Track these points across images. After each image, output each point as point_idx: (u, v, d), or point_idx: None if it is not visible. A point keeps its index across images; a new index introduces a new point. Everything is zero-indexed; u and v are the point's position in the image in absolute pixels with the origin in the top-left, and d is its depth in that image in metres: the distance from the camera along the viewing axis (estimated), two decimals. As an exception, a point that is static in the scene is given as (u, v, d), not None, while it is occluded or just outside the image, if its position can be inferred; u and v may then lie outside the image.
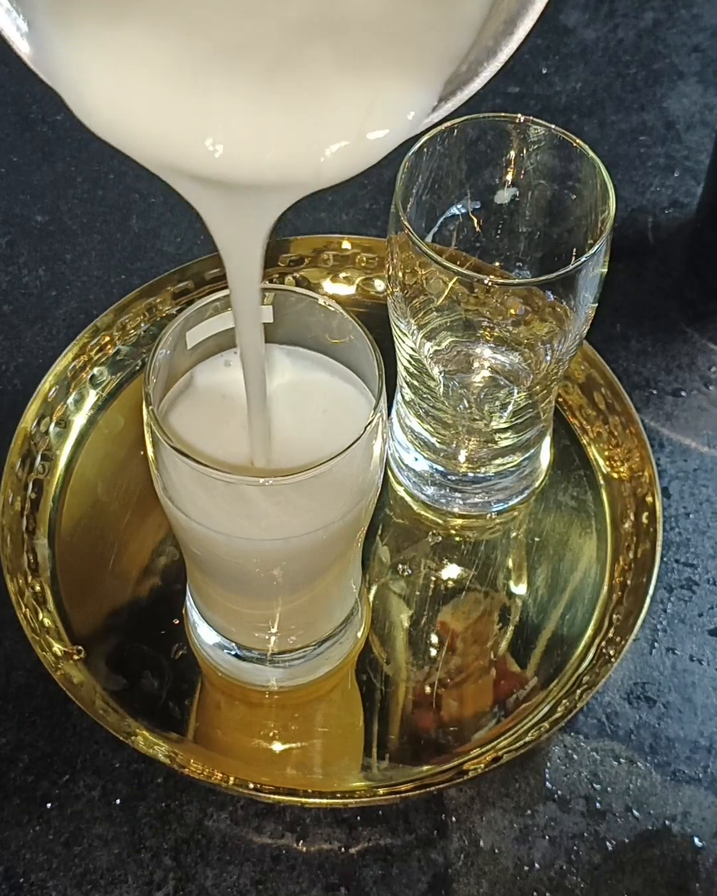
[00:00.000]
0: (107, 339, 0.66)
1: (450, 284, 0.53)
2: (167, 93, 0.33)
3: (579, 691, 0.56)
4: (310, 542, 0.44)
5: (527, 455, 0.61)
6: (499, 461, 0.61)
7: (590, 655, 0.57)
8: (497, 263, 0.59)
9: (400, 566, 0.61)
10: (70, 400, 0.64)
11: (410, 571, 0.61)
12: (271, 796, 0.53)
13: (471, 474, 0.61)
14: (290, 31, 0.32)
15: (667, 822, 0.55)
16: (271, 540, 0.44)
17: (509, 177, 0.54)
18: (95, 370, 0.65)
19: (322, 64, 0.32)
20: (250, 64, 0.32)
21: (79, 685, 0.55)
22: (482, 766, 0.53)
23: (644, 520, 0.60)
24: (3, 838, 0.53)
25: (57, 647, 0.56)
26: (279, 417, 0.47)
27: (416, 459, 0.62)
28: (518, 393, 0.57)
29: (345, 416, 0.47)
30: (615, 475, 0.63)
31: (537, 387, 0.56)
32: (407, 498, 0.63)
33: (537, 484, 0.63)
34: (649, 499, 0.61)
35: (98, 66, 0.33)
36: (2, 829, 0.54)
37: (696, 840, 0.54)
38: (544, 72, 0.81)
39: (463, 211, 0.55)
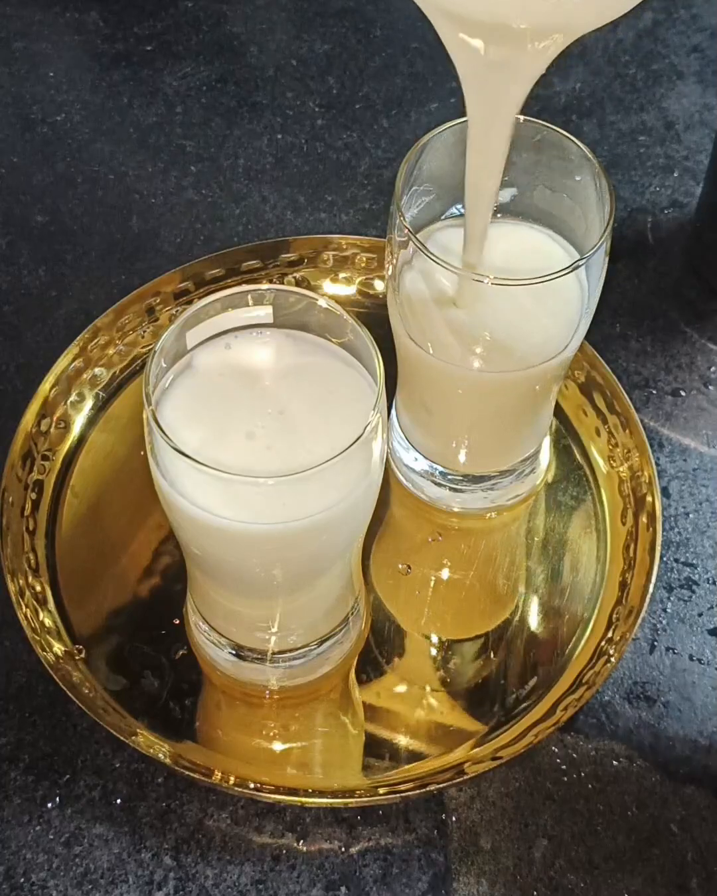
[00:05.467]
0: (107, 339, 0.66)
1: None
2: None
3: (579, 691, 0.56)
4: (310, 526, 0.44)
5: (527, 455, 0.61)
6: (499, 461, 0.61)
7: (590, 655, 0.57)
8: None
9: (400, 566, 0.61)
10: (70, 400, 0.64)
11: (410, 571, 0.61)
12: (272, 796, 0.53)
13: (471, 474, 0.61)
14: None
15: (667, 822, 0.55)
16: (271, 524, 0.44)
17: (508, 177, 0.54)
18: (95, 370, 0.65)
19: None
20: None
21: (79, 685, 0.55)
22: (482, 766, 0.53)
23: (644, 519, 0.60)
24: (4, 838, 0.54)
25: (57, 647, 0.56)
26: (285, 397, 0.47)
27: (416, 459, 0.62)
28: (519, 391, 0.57)
29: (350, 399, 0.47)
30: (615, 475, 0.63)
31: (538, 387, 0.56)
32: (407, 498, 0.63)
33: (537, 484, 0.63)
34: (648, 498, 0.61)
35: None
36: (2, 829, 0.54)
37: (696, 840, 0.54)
38: (544, 72, 0.81)
39: (463, 211, 0.54)
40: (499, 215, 0.54)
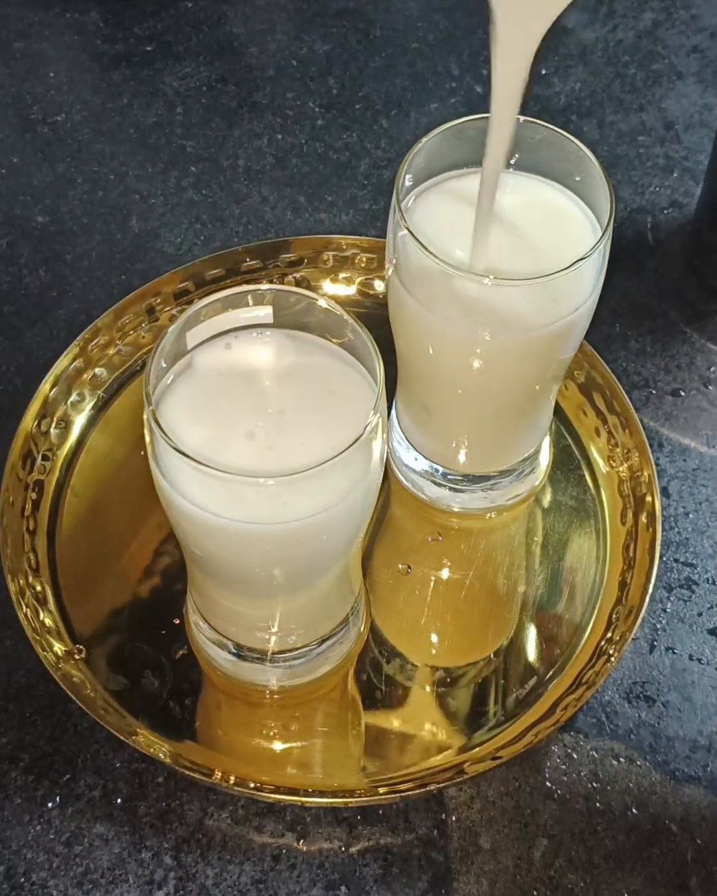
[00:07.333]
0: (107, 339, 0.66)
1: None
2: None
3: (579, 691, 0.56)
4: (310, 526, 0.44)
5: (527, 455, 0.61)
6: (499, 461, 0.61)
7: (590, 655, 0.57)
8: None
9: (400, 566, 0.61)
10: (70, 400, 0.64)
11: (410, 571, 0.61)
12: (272, 796, 0.53)
13: (471, 474, 0.61)
14: None
15: (667, 822, 0.55)
16: (271, 524, 0.44)
17: (508, 177, 0.54)
18: (95, 370, 0.65)
19: None
20: None
21: (80, 685, 0.55)
22: (482, 765, 0.53)
23: (644, 519, 0.60)
24: (4, 838, 0.54)
25: (58, 647, 0.56)
26: (285, 397, 0.47)
27: (416, 459, 0.62)
28: (518, 393, 0.57)
29: (350, 399, 0.47)
30: (615, 475, 0.63)
31: (537, 387, 0.56)
32: (407, 498, 0.63)
33: (537, 484, 0.63)
34: (648, 498, 0.61)
35: None
36: (3, 829, 0.54)
37: (696, 840, 0.54)
38: (544, 72, 0.82)
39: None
40: (512, 167, 0.54)
